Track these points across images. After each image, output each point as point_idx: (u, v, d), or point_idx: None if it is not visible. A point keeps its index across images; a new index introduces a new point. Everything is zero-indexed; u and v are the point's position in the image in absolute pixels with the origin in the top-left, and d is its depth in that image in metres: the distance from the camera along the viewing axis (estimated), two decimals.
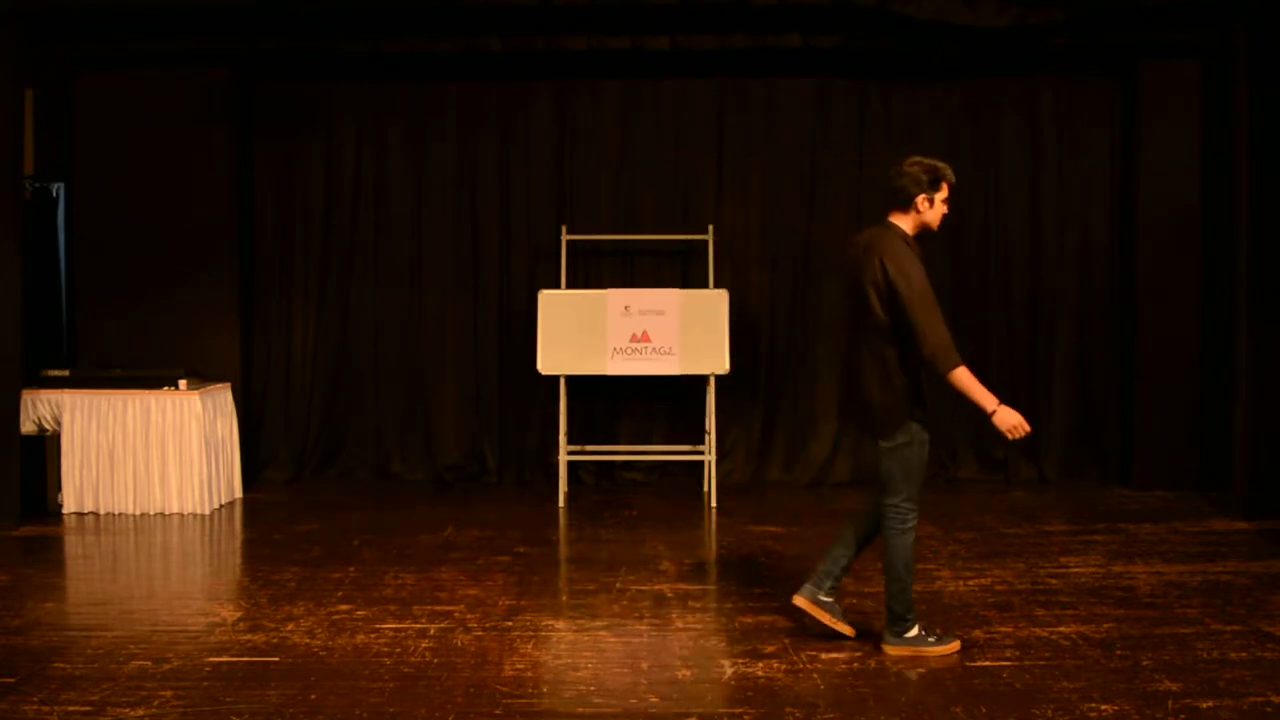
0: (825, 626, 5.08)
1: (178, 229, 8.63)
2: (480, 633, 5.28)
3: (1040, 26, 7.81)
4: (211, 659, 4.92)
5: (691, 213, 9.10)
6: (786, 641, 5.13)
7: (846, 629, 5.10)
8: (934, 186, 4.92)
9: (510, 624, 5.42)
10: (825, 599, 5.09)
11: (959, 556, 6.69)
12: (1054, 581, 6.13)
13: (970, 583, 6.11)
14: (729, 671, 4.78)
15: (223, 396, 8.38)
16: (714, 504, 8.29)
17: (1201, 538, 7.17)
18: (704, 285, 8.81)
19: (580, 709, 4.38)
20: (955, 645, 4.95)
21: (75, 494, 7.91)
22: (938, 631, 5.05)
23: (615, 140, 9.13)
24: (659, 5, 7.79)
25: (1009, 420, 4.80)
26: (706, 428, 8.63)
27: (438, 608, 5.67)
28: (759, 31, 8.21)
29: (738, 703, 4.43)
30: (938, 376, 4.78)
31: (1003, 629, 5.30)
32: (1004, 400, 9.48)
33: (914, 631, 4.95)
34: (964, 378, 4.75)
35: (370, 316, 9.19)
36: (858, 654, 4.96)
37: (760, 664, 4.84)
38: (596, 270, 9.14)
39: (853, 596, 5.81)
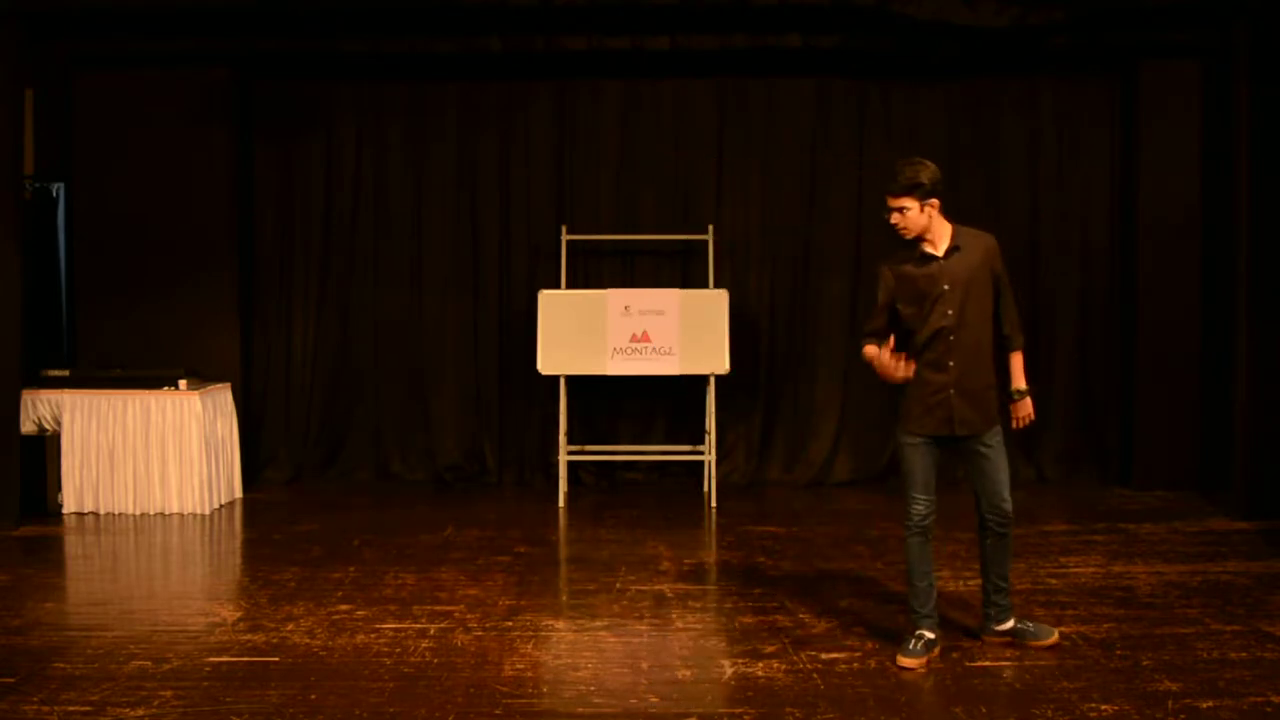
0: (1036, 648, 5.02)
1: (178, 229, 8.63)
2: (480, 633, 5.28)
3: (1040, 26, 7.81)
4: (211, 659, 4.92)
5: (691, 213, 9.10)
6: (786, 641, 5.13)
7: (1050, 639, 5.06)
8: None
9: (510, 624, 5.42)
10: (999, 629, 5.07)
11: (959, 556, 6.69)
12: (1054, 581, 6.13)
13: (970, 583, 6.10)
14: (729, 671, 4.78)
15: (223, 396, 8.38)
16: (714, 504, 8.29)
17: (1201, 538, 7.17)
18: (704, 285, 8.81)
19: (580, 709, 4.38)
20: (914, 661, 4.80)
21: (75, 494, 7.91)
22: (925, 641, 4.92)
23: (615, 140, 9.13)
24: (659, 5, 7.79)
25: (884, 367, 4.86)
26: (706, 428, 8.63)
27: (438, 608, 5.67)
28: (759, 31, 8.21)
29: (738, 703, 4.43)
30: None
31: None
32: (1004, 398, 9.49)
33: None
34: (866, 353, 4.97)
35: (370, 316, 9.19)
36: (857, 654, 4.96)
37: (760, 664, 4.84)
38: (596, 270, 9.14)
39: (851, 600, 5.81)
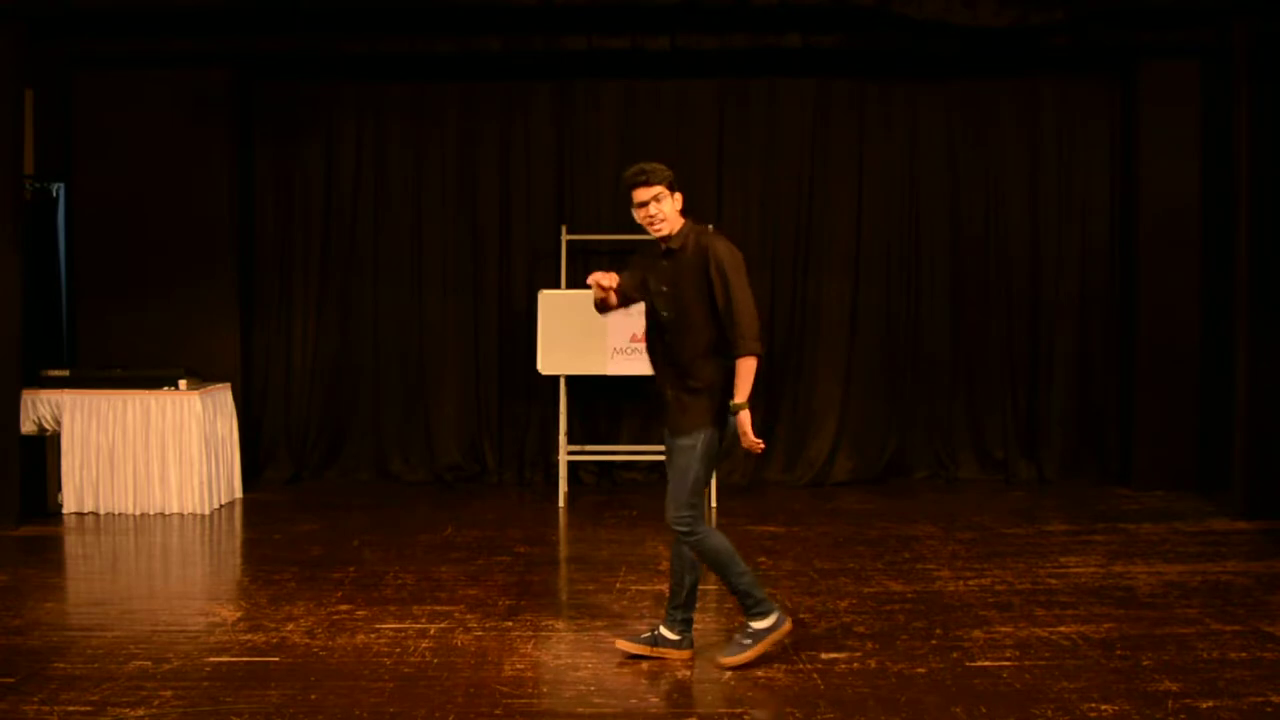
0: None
1: (178, 229, 8.63)
2: (480, 633, 5.28)
3: (1040, 26, 7.81)
4: (211, 659, 4.92)
5: (691, 213, 8.98)
6: (786, 641, 5.13)
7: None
8: None
9: (510, 624, 5.42)
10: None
11: (959, 556, 6.69)
12: (1054, 581, 6.13)
13: (970, 583, 6.11)
14: (729, 671, 4.77)
15: (223, 396, 8.38)
16: (714, 504, 8.28)
17: (1201, 538, 7.17)
18: None
19: (580, 709, 4.38)
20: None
21: (75, 494, 7.91)
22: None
23: (615, 140, 9.13)
24: (659, 5, 7.79)
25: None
26: None
27: (438, 608, 5.67)
28: (759, 31, 8.21)
29: (737, 703, 4.43)
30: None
31: (1003, 629, 5.29)
32: (1004, 398, 9.51)
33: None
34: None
35: (370, 316, 9.19)
36: (857, 654, 4.96)
37: (760, 664, 4.84)
38: (596, 270, 9.10)
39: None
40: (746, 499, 8.54)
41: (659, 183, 4.78)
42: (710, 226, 4.98)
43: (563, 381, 8.45)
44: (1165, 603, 5.73)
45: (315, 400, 9.20)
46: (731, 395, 4.64)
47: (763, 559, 6.68)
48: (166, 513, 7.90)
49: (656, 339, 4.82)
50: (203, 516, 7.87)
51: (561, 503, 8.33)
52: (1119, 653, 4.96)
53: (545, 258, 9.06)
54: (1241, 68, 7.68)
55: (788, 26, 8.16)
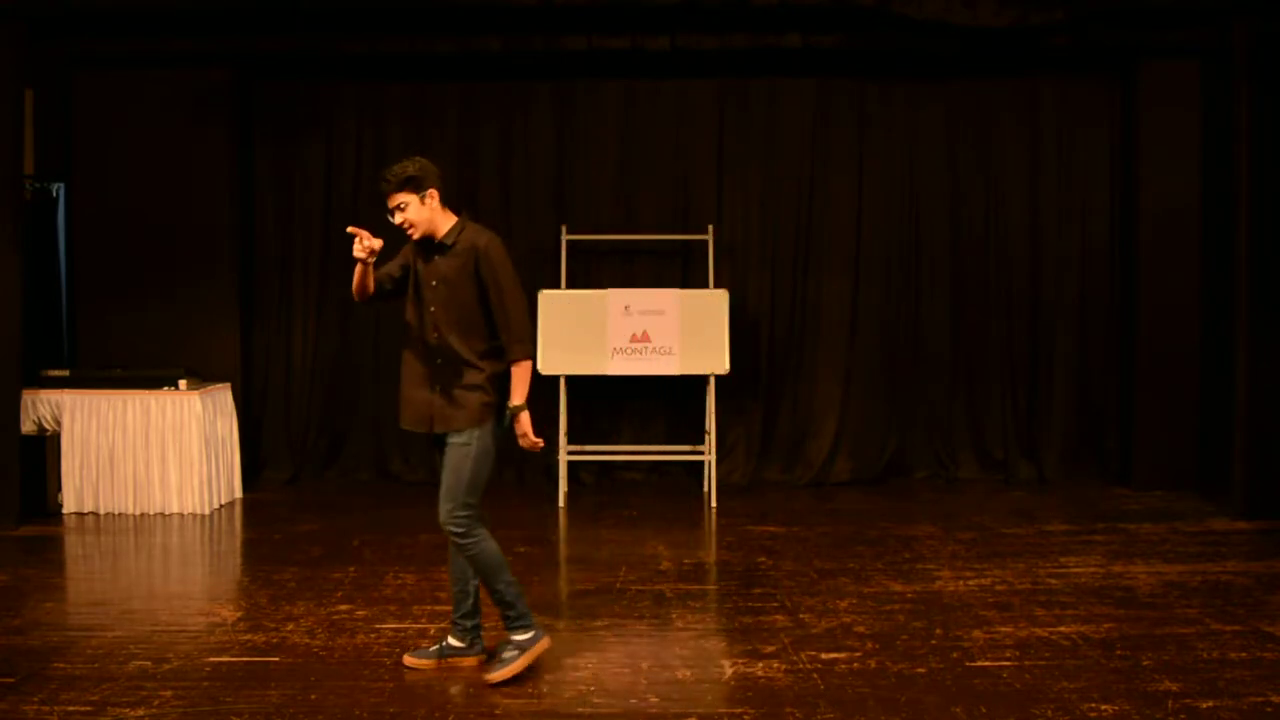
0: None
1: (178, 229, 8.63)
2: None
3: (1040, 26, 7.81)
4: (211, 659, 4.92)
5: (691, 213, 9.10)
6: (786, 641, 5.13)
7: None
8: None
9: None
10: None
11: (959, 556, 6.70)
12: (1054, 581, 6.13)
13: (970, 583, 6.11)
14: (729, 671, 4.78)
15: (223, 396, 8.38)
16: (714, 504, 8.28)
17: (1201, 538, 7.17)
18: (704, 285, 8.81)
19: (580, 709, 4.38)
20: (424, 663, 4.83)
21: (75, 494, 7.91)
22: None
23: (615, 140, 9.13)
24: (659, 5, 7.80)
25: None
26: (706, 428, 8.63)
27: (438, 608, 5.67)
28: (759, 31, 8.22)
29: (738, 703, 4.43)
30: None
31: (1003, 629, 5.30)
32: (1004, 398, 9.52)
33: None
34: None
35: (370, 316, 9.16)
36: (857, 654, 4.97)
37: (760, 664, 4.84)
38: (596, 270, 9.13)
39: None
40: (746, 499, 8.54)
41: (399, 190, 4.58)
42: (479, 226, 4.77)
43: (563, 381, 8.45)
44: (1165, 603, 5.73)
45: (315, 400, 9.20)
46: (505, 394, 4.64)
47: (763, 559, 6.68)
48: (166, 513, 7.90)
49: (423, 334, 4.68)
50: (203, 516, 7.87)
51: (561, 503, 8.33)
52: (1119, 653, 4.96)
53: (545, 258, 9.06)
54: (1241, 68, 7.68)
55: (788, 26, 8.16)
